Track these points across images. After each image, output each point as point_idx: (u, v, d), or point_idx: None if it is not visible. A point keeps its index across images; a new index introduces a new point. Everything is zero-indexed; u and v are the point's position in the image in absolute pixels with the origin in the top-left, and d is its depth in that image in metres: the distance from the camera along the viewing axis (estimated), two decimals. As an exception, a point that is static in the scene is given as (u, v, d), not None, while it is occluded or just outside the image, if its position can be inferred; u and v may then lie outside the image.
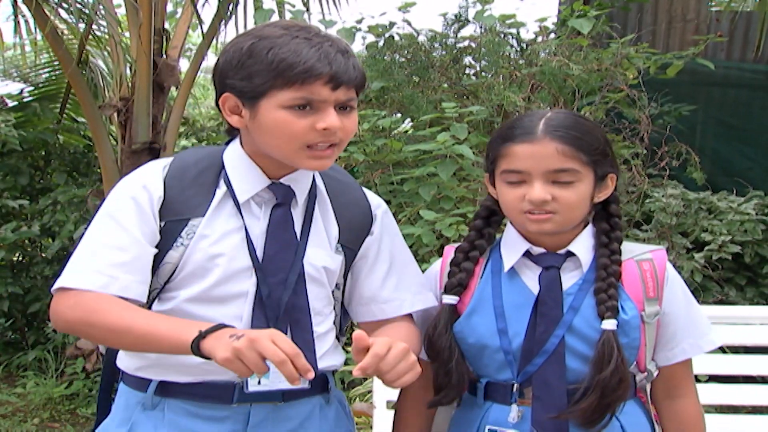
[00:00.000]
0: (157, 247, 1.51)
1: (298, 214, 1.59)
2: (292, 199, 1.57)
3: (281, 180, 1.57)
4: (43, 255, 5.64)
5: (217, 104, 1.54)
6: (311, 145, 1.48)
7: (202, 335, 1.33)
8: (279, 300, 1.52)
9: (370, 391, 2.58)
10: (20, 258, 5.72)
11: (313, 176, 1.63)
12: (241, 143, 1.58)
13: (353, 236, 1.65)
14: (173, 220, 1.51)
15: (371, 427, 2.57)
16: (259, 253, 1.53)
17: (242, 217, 1.53)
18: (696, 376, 3.19)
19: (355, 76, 1.49)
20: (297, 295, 1.54)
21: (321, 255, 1.59)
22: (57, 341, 5.24)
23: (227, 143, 1.62)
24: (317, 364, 1.55)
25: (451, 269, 1.66)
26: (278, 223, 1.55)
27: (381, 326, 1.63)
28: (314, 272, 1.57)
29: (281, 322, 1.52)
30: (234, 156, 1.57)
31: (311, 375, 1.29)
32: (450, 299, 1.63)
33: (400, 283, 1.66)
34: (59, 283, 1.47)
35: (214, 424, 1.51)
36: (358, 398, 3.32)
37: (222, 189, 1.55)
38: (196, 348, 1.33)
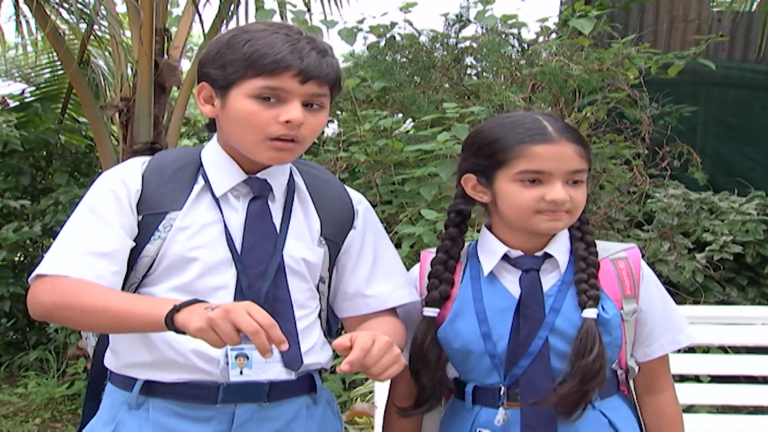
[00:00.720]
0: (134, 240, 1.53)
1: (277, 208, 1.60)
2: (269, 192, 1.60)
3: (257, 174, 1.59)
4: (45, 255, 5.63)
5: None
6: (273, 138, 1.50)
7: (176, 309, 1.33)
8: (259, 291, 1.53)
9: (371, 392, 2.59)
10: (22, 258, 5.72)
11: (291, 172, 1.65)
12: (218, 138, 1.62)
13: (336, 229, 1.66)
14: (150, 214, 1.53)
15: (373, 428, 2.57)
16: (238, 245, 1.54)
17: (220, 210, 1.55)
18: (698, 377, 3.22)
19: (326, 73, 1.51)
20: (278, 287, 1.55)
21: (300, 247, 1.60)
22: (59, 341, 5.24)
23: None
24: (302, 357, 1.55)
25: (430, 282, 1.66)
26: (256, 215, 1.57)
27: (365, 320, 1.64)
28: (294, 264, 1.58)
29: None
30: (211, 151, 1.61)
31: (285, 346, 1.29)
32: (431, 312, 1.64)
33: (384, 277, 1.67)
34: (36, 271, 1.49)
35: (198, 425, 1.51)
36: (359, 398, 3.32)
37: (200, 183, 1.57)
38: (170, 321, 1.33)
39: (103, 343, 1.63)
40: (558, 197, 1.52)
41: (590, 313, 1.53)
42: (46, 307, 1.47)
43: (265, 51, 1.47)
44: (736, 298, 4.24)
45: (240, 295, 1.52)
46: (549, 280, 1.60)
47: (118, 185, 1.55)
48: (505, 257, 1.62)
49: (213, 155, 1.60)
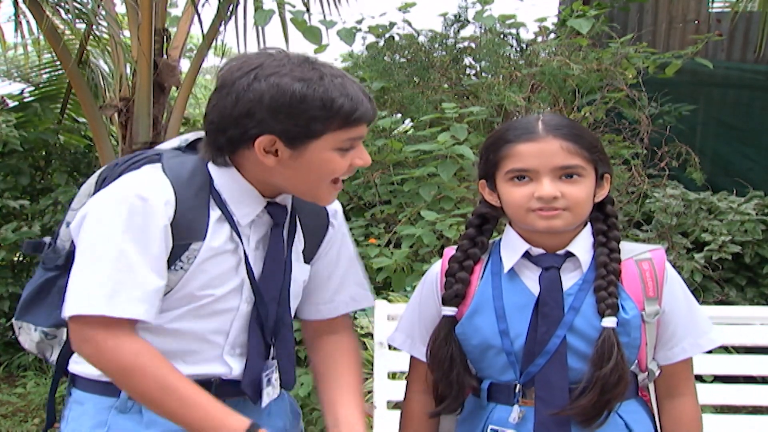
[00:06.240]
0: None
1: (284, 232, 1.63)
2: (286, 218, 1.61)
3: (277, 200, 1.59)
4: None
5: (232, 141, 1.50)
6: (334, 180, 1.55)
7: None
8: (273, 316, 1.58)
9: (370, 392, 2.59)
10: (21, 258, 5.72)
11: None
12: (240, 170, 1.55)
13: (312, 246, 1.70)
14: (176, 245, 1.49)
15: (372, 428, 2.57)
16: (254, 271, 1.56)
17: (240, 239, 1.55)
18: (701, 377, 3.22)
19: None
20: (284, 311, 1.60)
21: (301, 270, 1.66)
22: (57, 341, 5.23)
23: (205, 160, 1.57)
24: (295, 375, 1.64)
25: (447, 280, 1.66)
26: (275, 243, 1.59)
27: (321, 334, 1.74)
28: (297, 288, 1.64)
29: (270, 336, 1.59)
30: (230, 181, 1.55)
31: None
32: (449, 311, 1.64)
33: (340, 285, 1.74)
34: (106, 310, 1.41)
35: None
36: (358, 398, 3.32)
37: (216, 212, 1.53)
38: None
39: (69, 348, 1.58)
40: (544, 193, 1.52)
41: (609, 322, 1.52)
42: (123, 369, 1.44)
43: (349, 105, 1.47)
44: (734, 298, 4.24)
45: (256, 320, 1.56)
46: (570, 278, 1.59)
47: (161, 212, 1.46)
48: (527, 255, 1.61)
49: (234, 186, 1.54)
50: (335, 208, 1.73)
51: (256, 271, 1.56)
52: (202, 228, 1.51)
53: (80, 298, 1.43)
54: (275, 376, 1.62)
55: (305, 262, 1.68)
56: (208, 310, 1.53)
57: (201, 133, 1.61)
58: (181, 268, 1.49)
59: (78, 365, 1.59)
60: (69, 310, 1.44)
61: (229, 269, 1.54)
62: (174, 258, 1.48)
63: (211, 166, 1.55)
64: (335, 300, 1.74)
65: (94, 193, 1.56)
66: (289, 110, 1.44)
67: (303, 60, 1.49)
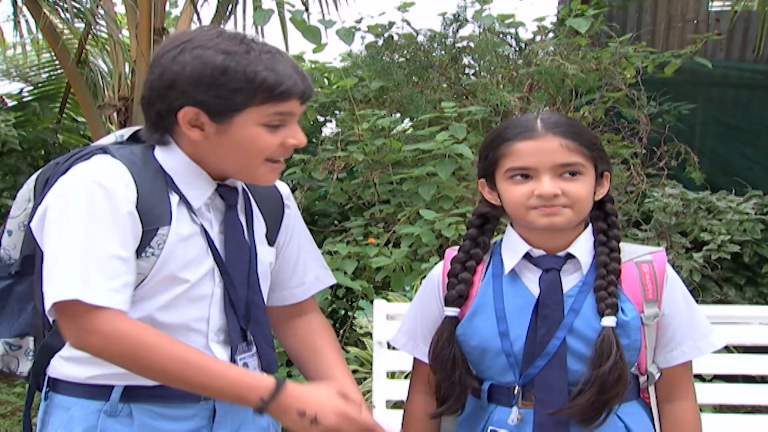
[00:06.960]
0: None
1: (240, 214, 1.63)
2: (238, 200, 1.61)
3: (227, 182, 1.59)
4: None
5: (161, 115, 1.50)
6: (270, 159, 1.52)
7: (264, 404, 1.43)
8: (242, 300, 1.58)
9: (369, 391, 2.59)
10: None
11: None
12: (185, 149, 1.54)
13: (273, 229, 1.70)
14: (145, 231, 1.47)
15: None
16: (221, 254, 1.56)
17: (200, 223, 1.54)
18: (701, 376, 3.23)
19: (313, 91, 1.55)
20: (255, 293, 1.61)
21: (266, 251, 1.65)
22: (56, 341, 5.24)
23: (151, 146, 1.57)
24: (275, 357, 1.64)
25: (449, 281, 1.66)
26: (232, 225, 1.59)
27: (292, 316, 1.75)
28: (264, 269, 1.64)
29: (243, 320, 1.59)
30: (176, 162, 1.54)
31: None
32: (451, 311, 1.64)
33: (306, 266, 1.75)
34: (86, 296, 1.38)
35: (182, 423, 1.54)
36: (357, 398, 3.32)
37: (175, 196, 1.52)
38: (259, 412, 1.44)
39: (47, 353, 1.56)
40: (544, 191, 1.52)
41: (608, 321, 1.52)
42: (128, 356, 1.41)
43: (274, 78, 1.45)
44: (733, 298, 4.24)
45: (230, 304, 1.56)
46: (570, 280, 1.59)
47: (124, 200, 1.45)
48: (528, 256, 1.61)
49: (180, 166, 1.53)
50: (287, 190, 1.75)
51: (223, 254, 1.56)
52: (165, 212, 1.50)
53: (57, 286, 1.39)
54: (254, 361, 1.61)
55: (269, 245, 1.68)
56: (187, 297, 1.52)
57: (135, 128, 1.63)
58: (152, 254, 1.48)
59: (61, 369, 1.55)
60: (48, 302, 1.39)
61: (199, 253, 1.53)
62: (144, 245, 1.47)
63: (157, 152, 1.55)
64: (305, 282, 1.75)
65: (37, 196, 1.54)
66: (210, 81, 1.44)
67: (234, 36, 1.49)
